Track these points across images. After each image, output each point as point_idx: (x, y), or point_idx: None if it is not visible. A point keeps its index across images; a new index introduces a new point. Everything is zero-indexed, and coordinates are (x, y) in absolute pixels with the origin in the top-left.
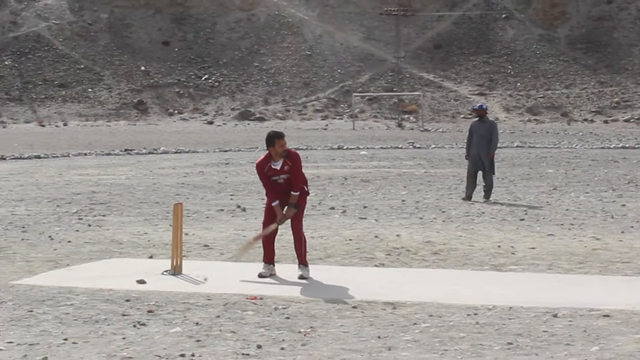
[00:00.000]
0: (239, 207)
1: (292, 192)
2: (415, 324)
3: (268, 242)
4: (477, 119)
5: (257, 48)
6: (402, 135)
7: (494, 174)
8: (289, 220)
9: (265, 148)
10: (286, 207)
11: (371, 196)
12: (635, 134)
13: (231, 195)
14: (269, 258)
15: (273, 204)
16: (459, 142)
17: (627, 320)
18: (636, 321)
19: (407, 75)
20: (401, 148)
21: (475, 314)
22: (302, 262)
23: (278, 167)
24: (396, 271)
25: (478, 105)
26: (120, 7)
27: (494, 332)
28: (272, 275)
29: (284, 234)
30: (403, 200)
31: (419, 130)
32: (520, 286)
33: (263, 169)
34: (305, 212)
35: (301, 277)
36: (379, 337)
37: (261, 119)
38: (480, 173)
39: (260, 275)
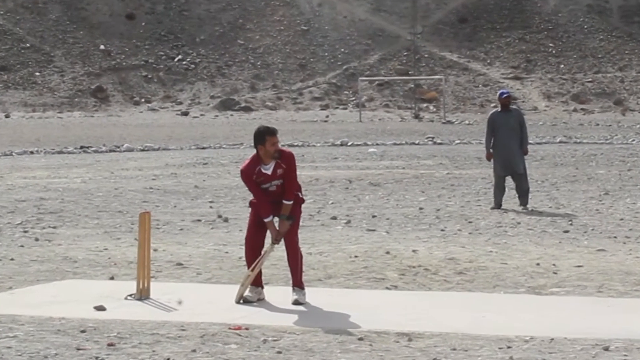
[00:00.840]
0: (220, 216)
1: (285, 201)
2: (435, 359)
3: (255, 259)
4: (498, 109)
5: (242, 22)
6: (419, 129)
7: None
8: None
9: (253, 147)
10: (278, 221)
11: (382, 203)
12: None
13: (210, 202)
14: (257, 279)
15: (266, 220)
16: None
17: None
18: None
19: (426, 56)
20: (418, 144)
21: (509, 347)
22: (298, 284)
23: (269, 172)
24: (412, 295)
25: (505, 91)
26: None
27: None
28: (260, 300)
29: (275, 249)
30: (421, 208)
31: (440, 123)
32: (563, 313)
33: (251, 175)
34: (300, 224)
35: (296, 302)
36: None
37: (247, 109)
38: (509, 176)
39: (246, 301)
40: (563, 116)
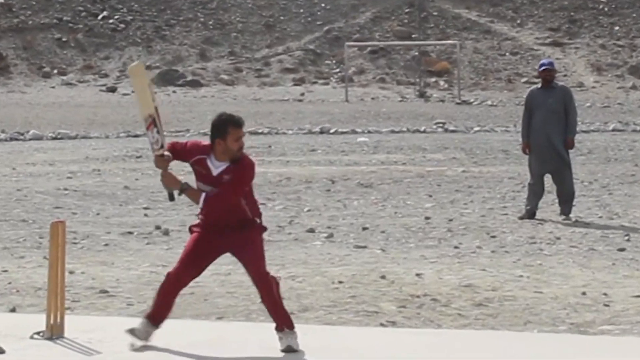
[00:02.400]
0: (158, 228)
1: (203, 187)
2: None
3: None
4: (539, 85)
5: None
6: (425, 111)
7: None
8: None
9: (210, 139)
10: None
11: (375, 211)
12: None
13: (145, 208)
14: (159, 315)
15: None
16: (518, 122)
17: None
18: None
19: (435, 14)
20: (424, 132)
21: None
22: (285, 324)
23: (215, 172)
24: (415, 334)
25: (546, 62)
26: None
27: None
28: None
29: (233, 273)
30: (427, 218)
31: (454, 103)
32: (618, 358)
33: (193, 155)
34: (266, 237)
35: (289, 350)
36: None
37: (195, 84)
38: (549, 175)
39: (133, 334)
40: (618, 95)
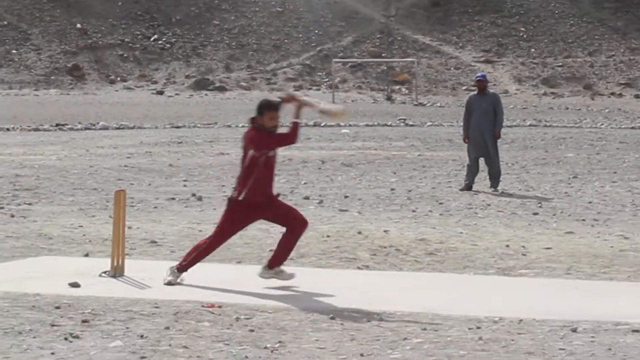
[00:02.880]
0: (194, 195)
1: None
2: (405, 339)
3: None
4: (475, 92)
5: (218, 3)
6: (392, 110)
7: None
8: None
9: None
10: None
11: (354, 184)
12: None
13: (184, 180)
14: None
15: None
16: (459, 119)
17: None
18: None
19: (399, 38)
20: (390, 126)
21: (478, 328)
22: (279, 264)
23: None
24: (383, 275)
25: (480, 75)
26: None
27: (500, 350)
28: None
29: (248, 229)
30: (392, 189)
31: (412, 105)
32: (532, 294)
33: (258, 137)
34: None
35: (290, 277)
36: (361, 355)
37: (221, 89)
38: (482, 159)
39: (170, 284)
40: (533, 100)
